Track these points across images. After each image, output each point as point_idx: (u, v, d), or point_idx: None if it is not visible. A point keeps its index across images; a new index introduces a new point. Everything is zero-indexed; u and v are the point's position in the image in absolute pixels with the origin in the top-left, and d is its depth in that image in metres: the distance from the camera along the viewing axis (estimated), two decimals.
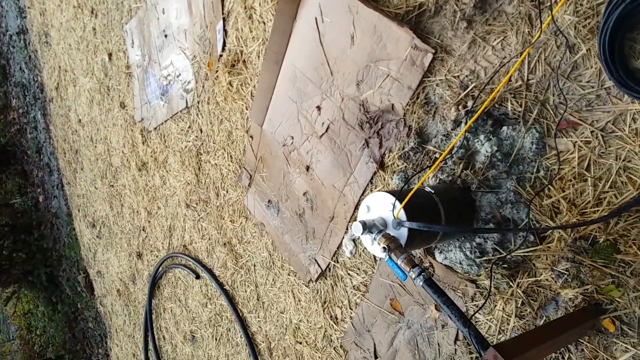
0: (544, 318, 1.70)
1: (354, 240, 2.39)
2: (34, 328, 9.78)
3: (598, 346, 1.55)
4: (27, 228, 8.04)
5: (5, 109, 8.29)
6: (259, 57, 2.65)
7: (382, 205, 1.54)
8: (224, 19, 2.84)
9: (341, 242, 2.45)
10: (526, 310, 1.74)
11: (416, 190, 1.53)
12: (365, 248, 2.32)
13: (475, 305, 1.91)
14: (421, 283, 1.35)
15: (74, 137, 5.62)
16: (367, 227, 1.47)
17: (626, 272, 1.45)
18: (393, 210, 1.48)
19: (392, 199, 1.49)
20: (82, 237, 6.23)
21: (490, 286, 1.67)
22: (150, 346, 4.69)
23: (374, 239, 1.48)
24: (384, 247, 1.41)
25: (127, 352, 5.42)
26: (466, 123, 1.75)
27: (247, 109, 2.84)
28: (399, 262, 1.39)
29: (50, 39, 5.81)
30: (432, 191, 1.61)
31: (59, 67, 5.65)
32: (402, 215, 1.47)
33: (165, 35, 3.53)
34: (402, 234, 1.48)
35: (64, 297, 7.95)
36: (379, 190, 1.59)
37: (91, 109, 5.00)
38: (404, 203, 1.46)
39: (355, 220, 2.38)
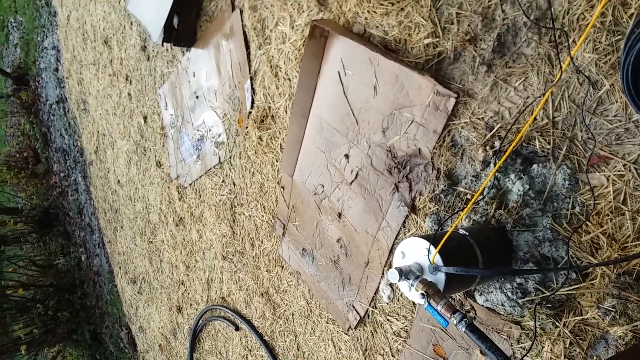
0: (594, 358, 1.64)
1: (391, 285, 2.38)
2: None
3: None
4: (70, 287, 8.26)
5: (47, 173, 8.71)
6: (286, 111, 2.75)
7: (417, 251, 1.54)
8: (251, 78, 2.97)
9: (378, 287, 2.44)
10: (575, 350, 1.68)
11: (451, 234, 1.53)
12: (402, 293, 2.30)
13: (521, 347, 1.85)
14: (464, 329, 1.34)
15: (114, 197, 5.84)
16: (404, 273, 1.48)
17: None
18: (428, 255, 1.49)
19: (426, 243, 1.50)
20: (124, 293, 6.35)
21: (535, 327, 1.63)
22: None
23: (412, 285, 1.48)
24: (422, 294, 1.41)
25: None
26: (495, 163, 1.76)
27: (277, 161, 2.92)
28: (438, 308, 1.38)
29: (89, 105, 6.16)
30: (467, 233, 1.61)
31: (97, 131, 5.96)
32: (438, 260, 1.47)
33: (197, 97, 3.71)
34: (440, 278, 1.47)
35: (108, 354, 8.03)
36: (412, 235, 1.60)
37: (129, 170, 5.22)
38: (439, 247, 1.47)
39: (390, 265, 2.38)
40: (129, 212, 5.44)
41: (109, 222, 6.23)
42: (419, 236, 1.55)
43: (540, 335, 1.76)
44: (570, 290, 1.62)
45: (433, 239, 1.51)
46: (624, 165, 1.49)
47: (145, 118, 4.66)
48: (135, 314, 6.06)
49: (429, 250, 1.49)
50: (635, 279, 1.46)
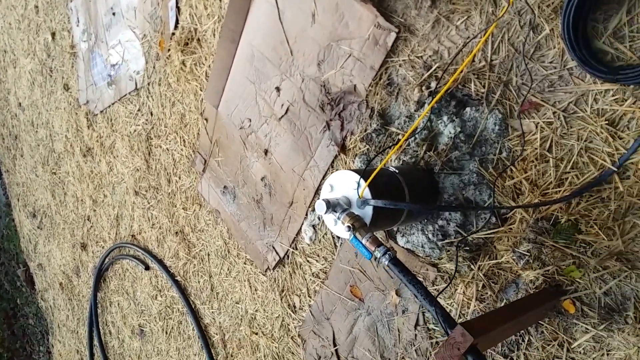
0: (505, 301, 1.70)
1: (313, 226, 2.33)
2: None
3: (558, 328, 1.56)
4: None
5: None
6: (214, 35, 2.53)
7: (346, 184, 1.48)
8: None
9: (300, 229, 2.38)
10: (487, 293, 1.73)
11: (380, 170, 1.48)
12: (325, 233, 2.27)
13: (435, 289, 1.89)
14: (387, 262, 1.31)
15: (14, 122, 5.25)
16: (331, 205, 1.41)
17: (587, 252, 1.46)
18: (358, 189, 1.43)
19: (356, 177, 1.44)
20: (22, 228, 5.85)
21: (456, 267, 1.65)
22: (96, 342, 4.46)
23: (338, 218, 1.42)
24: (348, 226, 1.36)
25: (71, 349, 5.15)
26: (429, 104, 1.72)
27: (201, 90, 2.72)
28: (363, 241, 1.34)
29: None
30: (397, 171, 1.57)
31: None
32: (367, 194, 1.42)
33: (114, 14, 3.33)
34: (367, 213, 1.42)
35: (2, 292, 7.48)
36: (341, 170, 1.53)
37: (32, 92, 4.68)
38: (368, 181, 1.41)
39: (314, 207, 2.32)
40: (31, 139, 4.92)
41: (7, 149, 5.62)
42: (349, 170, 1.49)
43: (454, 278, 1.80)
44: (488, 234, 1.64)
45: (363, 173, 1.45)
46: (554, 112, 1.51)
47: (53, 34, 4.15)
48: (34, 250, 5.62)
49: (358, 184, 1.43)
50: (552, 225, 1.50)
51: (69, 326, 5.12)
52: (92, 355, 4.60)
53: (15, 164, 5.52)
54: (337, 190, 1.50)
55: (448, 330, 1.19)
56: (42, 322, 6.11)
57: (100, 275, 4.21)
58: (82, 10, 3.69)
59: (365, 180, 1.42)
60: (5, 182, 6.03)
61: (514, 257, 1.61)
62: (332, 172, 2.19)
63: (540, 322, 1.61)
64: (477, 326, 1.16)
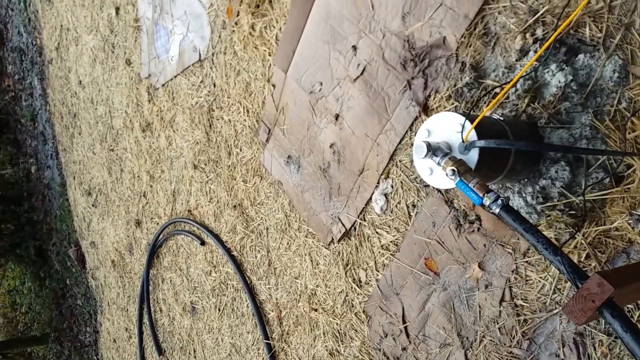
0: None
1: (385, 195, 2.20)
2: (18, 305, 9.47)
3: None
4: (17, 199, 7.75)
5: None
6: None
7: (446, 128, 1.34)
8: None
9: (370, 198, 2.25)
10: (590, 264, 1.56)
11: (483, 117, 1.34)
12: (399, 202, 2.13)
13: (526, 262, 1.72)
14: (498, 209, 1.16)
15: (73, 100, 5.36)
16: (432, 148, 1.28)
17: None
18: (462, 132, 1.29)
19: (460, 119, 1.30)
20: (77, 206, 5.97)
21: (584, 220, 1.47)
22: (145, 319, 4.46)
23: (438, 163, 1.28)
24: (452, 169, 1.22)
25: (119, 327, 5.19)
26: (535, 51, 1.56)
27: (270, 56, 2.63)
28: (471, 185, 1.20)
29: None
30: (501, 119, 1.42)
31: (61, 25, 5.39)
32: (473, 136, 1.27)
33: None
34: (471, 158, 1.28)
35: (53, 272, 7.68)
36: (441, 112, 1.39)
37: (93, 69, 4.76)
38: (475, 123, 1.27)
39: (388, 173, 2.19)
40: (90, 116, 5.00)
41: (65, 128, 5.75)
42: (450, 111, 1.35)
43: (566, 243, 1.62)
44: (600, 194, 1.47)
45: (468, 116, 1.31)
46: None
47: (117, 9, 4.19)
48: (87, 228, 5.72)
49: (463, 126, 1.29)
50: None
51: (119, 304, 5.18)
52: (140, 332, 4.62)
53: (72, 143, 5.64)
54: (435, 135, 1.37)
55: (578, 282, 1.04)
56: (90, 302, 6.22)
57: (153, 252, 4.21)
58: None
59: (471, 123, 1.28)
60: (62, 161, 6.18)
61: (630, 221, 1.43)
62: (410, 136, 2.06)
63: None
64: (614, 277, 1.00)
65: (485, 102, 1.70)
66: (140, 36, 3.91)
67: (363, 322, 2.34)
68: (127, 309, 4.94)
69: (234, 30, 2.85)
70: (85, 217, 5.72)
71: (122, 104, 4.33)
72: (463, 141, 1.29)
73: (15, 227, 7.63)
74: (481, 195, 1.19)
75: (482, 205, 1.20)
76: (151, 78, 3.80)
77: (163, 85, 3.67)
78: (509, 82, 1.61)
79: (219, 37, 3.03)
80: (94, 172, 5.21)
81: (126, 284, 4.91)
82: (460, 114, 1.33)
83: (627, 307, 1.48)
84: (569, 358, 1.64)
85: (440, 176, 1.32)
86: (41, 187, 7.38)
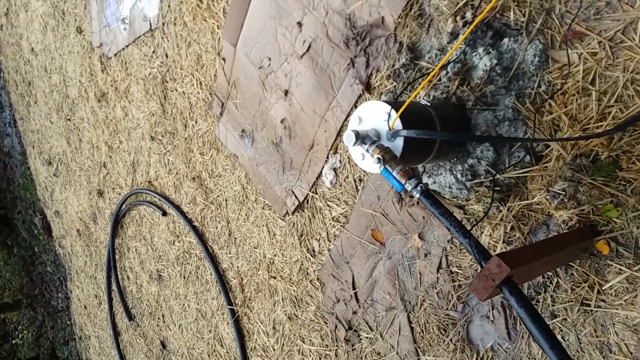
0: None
1: (334, 170, 2.28)
2: None
3: (589, 269, 1.51)
4: None
5: None
6: None
7: (375, 116, 1.41)
8: None
9: (321, 172, 2.33)
10: (515, 235, 1.68)
11: (411, 103, 1.41)
12: (347, 177, 2.21)
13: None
14: (418, 195, 1.25)
15: (27, 68, 5.18)
16: (360, 137, 1.35)
17: (627, 190, 1.39)
18: (388, 120, 1.36)
19: (387, 107, 1.37)
20: (38, 175, 5.88)
21: (491, 204, 1.59)
22: (114, 287, 4.54)
23: (367, 150, 1.36)
24: (378, 158, 1.30)
25: (89, 294, 5.27)
26: (464, 34, 1.62)
27: (219, 28, 2.61)
28: (394, 173, 1.28)
29: None
30: (428, 104, 1.50)
31: None
32: (398, 125, 1.35)
33: None
34: (397, 146, 1.36)
35: (20, 240, 7.62)
36: (371, 100, 1.45)
37: (45, 36, 4.59)
38: (400, 112, 1.34)
39: (336, 149, 2.26)
40: (44, 85, 4.86)
41: (21, 96, 5.58)
42: (379, 100, 1.41)
43: (482, 221, 1.75)
44: (521, 172, 1.58)
45: (394, 104, 1.37)
46: (599, 42, 1.40)
47: None
48: (50, 197, 5.67)
49: (389, 115, 1.36)
50: (592, 162, 1.43)
51: (87, 272, 5.23)
52: (110, 299, 4.71)
53: (29, 111, 5.49)
54: (365, 122, 1.44)
55: (482, 262, 1.15)
56: (60, 269, 6.24)
57: (117, 222, 4.24)
58: None
59: (397, 111, 1.35)
60: (20, 130, 6.02)
61: (548, 197, 1.55)
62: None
63: (570, 263, 1.56)
64: (513, 258, 1.11)
65: (419, 84, 1.76)
66: (89, 3, 3.78)
67: (317, 288, 2.47)
68: (96, 277, 5.01)
69: (182, 1, 2.80)
70: (47, 187, 5.66)
71: (75, 72, 4.23)
72: (390, 129, 1.36)
73: None
74: (403, 182, 1.27)
75: (404, 190, 1.29)
76: (103, 47, 3.71)
77: (115, 54, 3.59)
78: (439, 65, 1.67)
79: (169, 6, 2.97)
80: (52, 142, 5.12)
81: (93, 252, 4.95)
82: (387, 102, 1.39)
83: (547, 274, 1.62)
84: (497, 319, 1.79)
85: (370, 161, 1.40)
86: (1, 155, 7.20)
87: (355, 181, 2.19)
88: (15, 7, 5.13)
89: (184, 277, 3.53)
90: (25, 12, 4.90)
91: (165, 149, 3.38)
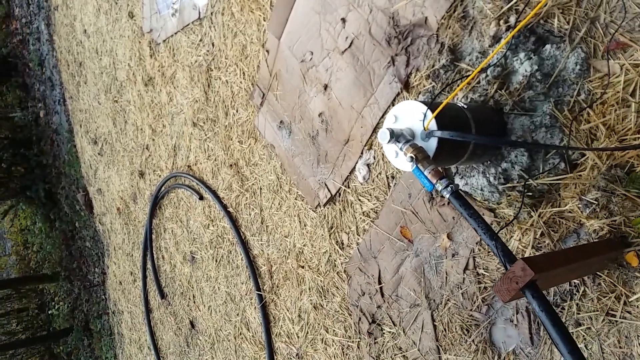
0: None
1: (368, 165, 2.32)
2: (30, 244, 9.88)
3: (617, 280, 1.51)
4: (26, 143, 7.95)
5: (7, 18, 7.98)
6: None
7: (411, 115, 1.44)
8: None
9: (354, 167, 2.38)
10: (545, 241, 1.69)
11: (448, 104, 1.43)
12: (379, 173, 2.25)
13: None
14: (448, 195, 1.29)
15: (79, 49, 5.42)
16: (395, 135, 1.39)
17: None
18: (423, 120, 1.39)
19: (423, 108, 1.40)
20: (84, 153, 6.15)
21: (520, 209, 1.60)
22: (149, 265, 4.73)
23: (400, 149, 1.39)
24: (411, 157, 1.33)
25: (125, 270, 5.49)
26: (506, 38, 1.63)
27: (265, 21, 2.68)
28: (426, 172, 1.31)
29: None
30: (465, 106, 1.52)
31: None
32: (433, 126, 1.38)
33: None
34: (431, 146, 1.39)
35: (62, 214, 7.97)
36: (408, 100, 1.49)
37: (97, 19, 4.79)
38: (435, 112, 1.37)
39: (371, 145, 2.30)
40: (95, 66, 5.08)
41: (71, 76, 5.84)
42: (416, 100, 1.44)
43: (511, 225, 1.76)
44: (555, 179, 1.58)
45: (430, 105, 1.40)
46: None
47: None
48: (94, 175, 5.93)
49: (424, 115, 1.39)
50: (626, 173, 1.42)
51: (124, 249, 5.45)
52: (144, 277, 4.90)
53: (79, 91, 5.74)
54: (401, 121, 1.47)
55: (507, 264, 1.18)
56: (98, 245, 6.51)
57: (156, 203, 4.40)
58: None
59: (432, 112, 1.38)
60: (69, 109, 6.30)
61: (580, 205, 1.55)
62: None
63: (598, 273, 1.56)
64: (538, 263, 1.14)
65: (458, 85, 1.78)
66: None
67: (344, 280, 2.52)
68: (132, 255, 5.21)
69: None
70: (92, 165, 5.91)
71: (125, 56, 4.40)
72: (424, 129, 1.39)
73: (25, 170, 7.87)
74: (434, 182, 1.31)
75: (435, 190, 1.32)
76: (153, 33, 3.85)
77: (164, 41, 3.73)
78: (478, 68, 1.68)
79: None
80: (99, 122, 5.35)
81: (131, 231, 5.15)
82: (423, 102, 1.43)
83: (574, 282, 1.63)
84: (521, 323, 1.81)
85: (403, 160, 1.44)
86: (50, 132, 7.54)
87: (387, 178, 2.23)
88: None
89: (216, 261, 3.64)
90: None
91: (205, 135, 3.50)
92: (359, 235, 2.42)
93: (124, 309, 5.68)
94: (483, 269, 1.90)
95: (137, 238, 5.06)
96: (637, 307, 1.46)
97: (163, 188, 4.23)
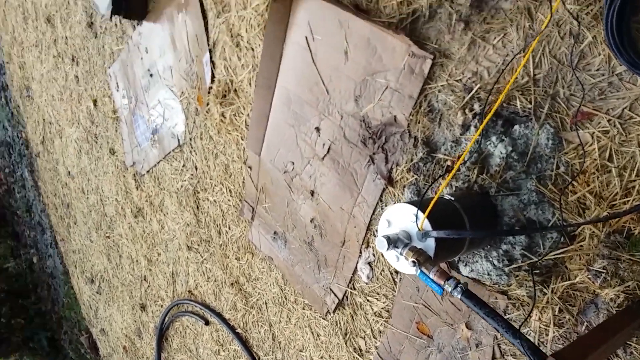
0: (585, 324, 1.59)
1: (369, 264, 2.28)
2: None
3: None
4: (23, 292, 7.80)
5: None
6: (250, 84, 2.59)
7: (402, 218, 1.44)
8: (210, 51, 2.79)
9: (356, 267, 2.34)
10: (565, 317, 1.63)
11: (437, 199, 1.44)
12: (383, 270, 2.21)
13: (509, 318, 1.79)
14: (459, 295, 1.25)
15: (65, 191, 5.50)
16: (392, 242, 1.37)
17: None
18: (417, 221, 1.39)
19: (413, 209, 1.40)
20: (82, 294, 6.02)
21: (535, 292, 1.56)
22: None
23: (401, 253, 1.38)
24: (413, 261, 1.31)
25: None
26: (476, 126, 1.68)
27: (242, 140, 2.77)
28: (431, 275, 1.29)
29: (32, 92, 5.76)
30: (452, 198, 1.53)
31: (43, 120, 5.58)
32: (427, 225, 1.37)
33: (151, 75, 3.48)
34: (429, 245, 1.38)
35: None
36: (397, 203, 1.50)
37: (80, 160, 4.91)
38: (427, 212, 1.37)
39: (367, 243, 2.28)
40: (82, 205, 5.12)
41: (60, 219, 5.86)
42: (404, 202, 1.45)
43: (527, 305, 1.71)
44: (557, 254, 1.56)
45: (420, 205, 1.41)
46: (609, 120, 1.44)
47: (95, 102, 4.37)
48: (95, 316, 5.76)
49: (416, 216, 1.39)
50: (626, 237, 1.41)
51: None
52: None
53: (69, 232, 5.74)
54: (395, 225, 1.47)
55: None
56: None
57: (162, 335, 4.24)
58: (120, 75, 3.88)
59: (423, 212, 1.38)
60: (61, 251, 6.26)
61: (590, 276, 1.51)
62: (381, 207, 2.16)
63: (628, 342, 1.49)
64: (569, 356, 1.08)
65: (440, 176, 1.81)
66: (120, 126, 4.07)
67: None
68: None
69: (206, 117, 3.00)
70: (91, 305, 5.77)
71: (111, 191, 4.46)
72: (419, 230, 1.39)
73: (25, 321, 7.65)
74: (441, 283, 1.28)
75: (444, 292, 1.28)
76: (136, 165, 3.94)
77: (148, 171, 3.80)
78: (457, 155, 1.72)
79: (194, 122, 3.17)
80: (93, 260, 5.30)
81: None
82: (412, 202, 1.43)
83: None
84: None
85: (406, 264, 1.41)
86: (45, 276, 7.43)
87: (391, 273, 2.18)
88: (50, 134, 5.55)
89: None
90: (60, 139, 5.28)
91: (202, 257, 3.46)
92: (376, 338, 2.32)
93: None
94: (511, 355, 1.81)
95: None
96: None
97: (167, 318, 4.10)
